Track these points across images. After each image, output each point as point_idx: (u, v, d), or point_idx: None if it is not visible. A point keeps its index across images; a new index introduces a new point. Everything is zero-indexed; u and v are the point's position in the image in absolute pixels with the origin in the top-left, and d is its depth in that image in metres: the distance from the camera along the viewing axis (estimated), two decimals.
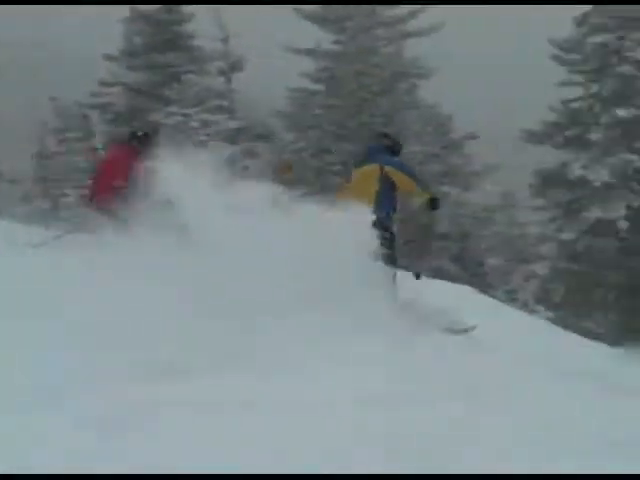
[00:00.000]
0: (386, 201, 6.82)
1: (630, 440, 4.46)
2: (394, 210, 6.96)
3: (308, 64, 26.06)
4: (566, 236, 22.58)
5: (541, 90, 24.51)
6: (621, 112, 22.11)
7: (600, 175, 21.90)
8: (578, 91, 23.49)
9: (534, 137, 23.76)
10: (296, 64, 26.32)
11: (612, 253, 22.70)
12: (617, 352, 12.45)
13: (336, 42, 25.39)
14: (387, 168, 6.84)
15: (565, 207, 23.12)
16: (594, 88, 22.81)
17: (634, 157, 22.11)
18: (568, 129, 23.12)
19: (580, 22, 22.87)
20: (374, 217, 6.23)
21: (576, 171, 22.25)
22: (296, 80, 26.22)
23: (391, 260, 6.60)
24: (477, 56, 32.49)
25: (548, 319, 17.18)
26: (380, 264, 6.28)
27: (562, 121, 23.45)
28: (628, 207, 22.26)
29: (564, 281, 22.89)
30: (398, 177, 6.86)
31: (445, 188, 23.77)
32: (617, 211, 22.06)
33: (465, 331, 7.03)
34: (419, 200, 7.25)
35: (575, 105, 23.16)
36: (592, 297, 22.24)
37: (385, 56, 24.70)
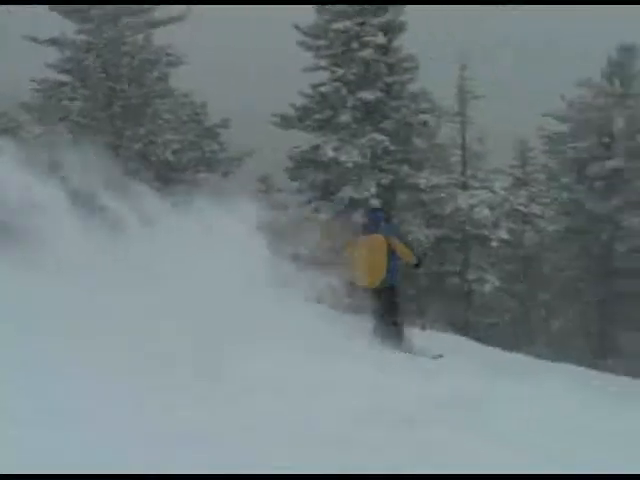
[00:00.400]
0: (394, 266, 9.13)
1: (381, 409, 5.24)
2: (398, 271, 9.28)
3: (54, 54, 25.48)
4: (324, 216, 23.78)
5: (293, 75, 25.59)
6: (366, 95, 23.73)
7: (351, 156, 23.28)
8: (325, 75, 24.66)
9: (286, 121, 24.83)
10: (41, 55, 25.59)
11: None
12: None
13: (82, 31, 24.99)
14: (391, 239, 9.12)
15: (320, 188, 24.43)
16: (339, 72, 24.19)
17: (382, 137, 23.75)
18: (318, 112, 24.42)
19: (320, 9, 24.28)
20: (383, 284, 8.95)
21: (328, 153, 23.42)
22: (42, 71, 25.54)
23: (400, 317, 9.29)
24: (227, 43, 33.33)
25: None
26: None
27: (312, 105, 24.73)
28: (378, 185, 23.92)
29: None
30: (400, 248, 9.19)
31: (203, 175, 24.37)
32: (369, 190, 23.61)
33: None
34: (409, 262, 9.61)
35: (323, 89, 24.37)
36: None
37: (133, 45, 24.69)
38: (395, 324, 9.14)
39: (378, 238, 9.14)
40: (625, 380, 19.15)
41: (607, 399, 9.28)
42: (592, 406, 7.67)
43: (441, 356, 9.07)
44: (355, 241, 9.44)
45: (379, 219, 9.60)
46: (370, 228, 9.43)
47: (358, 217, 23.62)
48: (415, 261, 9.62)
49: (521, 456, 4.76)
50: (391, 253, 9.09)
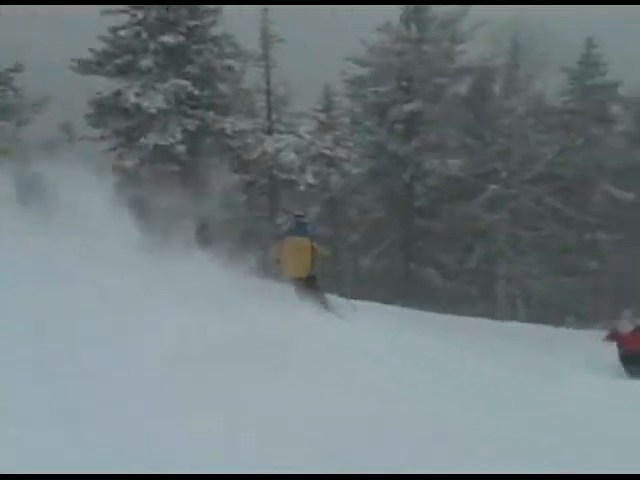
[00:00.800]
0: (315, 263, 11.68)
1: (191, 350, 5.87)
2: (317, 265, 11.79)
3: None
4: (128, 164, 23.88)
5: (89, 20, 25.19)
6: (167, 38, 23.90)
7: (154, 101, 23.44)
8: (125, 19, 24.44)
9: (85, 67, 24.48)
10: None
11: (175, 178, 24.75)
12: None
13: None
14: (313, 243, 11.62)
15: (124, 135, 24.50)
16: (139, 16, 24.16)
17: (185, 82, 24.02)
18: (118, 57, 24.28)
19: None
20: (307, 275, 11.56)
21: (131, 99, 23.41)
22: None
23: (320, 292, 11.85)
24: None
25: None
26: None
27: (112, 49, 24.56)
28: (184, 131, 24.27)
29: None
30: (319, 249, 11.78)
31: None
32: (174, 136, 23.90)
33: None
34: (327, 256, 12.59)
35: (123, 33, 24.30)
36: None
37: None
38: (319, 294, 11.84)
39: (305, 241, 11.69)
40: (431, 315, 21.16)
41: (410, 332, 10.62)
42: (394, 335, 8.91)
43: (355, 310, 11.97)
44: (283, 242, 11.98)
45: (305, 224, 12.15)
46: (298, 231, 11.93)
47: (164, 165, 24.09)
48: (329, 253, 13.25)
49: (321, 389, 5.60)
50: (313, 251, 11.65)
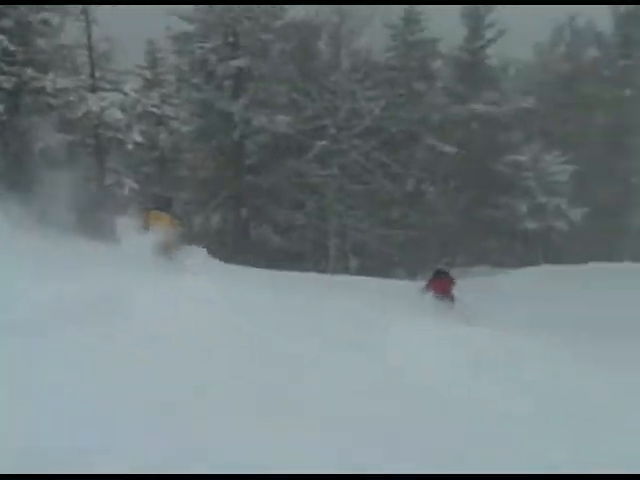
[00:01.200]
0: (176, 235, 14.05)
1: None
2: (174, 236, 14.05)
3: None
4: None
5: None
6: None
7: None
8: None
9: None
10: None
11: None
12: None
13: None
14: (173, 220, 14.13)
15: None
16: None
17: (1, 37, 23.06)
18: None
19: None
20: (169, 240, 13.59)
21: None
22: None
23: (177, 257, 13.72)
24: None
25: None
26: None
27: None
28: (1, 89, 23.25)
29: None
30: (176, 223, 14.34)
31: None
32: None
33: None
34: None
35: None
36: None
37: None
38: (176, 258, 13.76)
39: (167, 217, 13.96)
40: (267, 272, 21.79)
41: (252, 289, 11.00)
42: (237, 293, 9.21)
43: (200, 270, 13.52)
44: (149, 214, 13.97)
45: (169, 203, 14.96)
46: (161, 208, 14.21)
47: None
48: (182, 227, 16.83)
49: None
50: (174, 225, 14.10)
